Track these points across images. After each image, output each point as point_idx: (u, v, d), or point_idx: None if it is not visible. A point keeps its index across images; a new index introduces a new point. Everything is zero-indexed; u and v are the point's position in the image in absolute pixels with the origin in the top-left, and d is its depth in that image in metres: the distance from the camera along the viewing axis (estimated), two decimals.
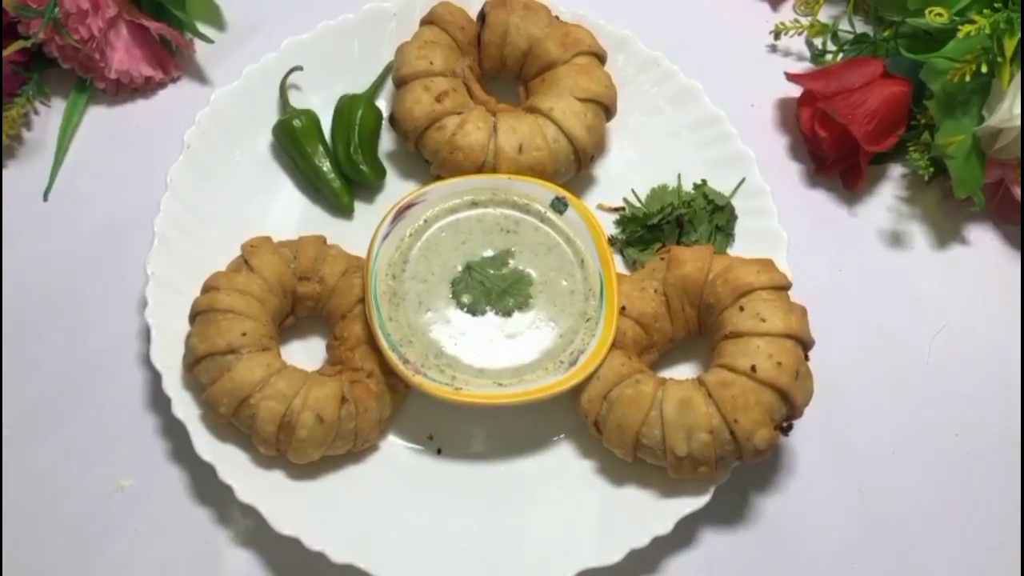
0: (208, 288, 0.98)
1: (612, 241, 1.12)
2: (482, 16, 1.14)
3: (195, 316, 0.97)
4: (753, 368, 0.94)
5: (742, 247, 1.10)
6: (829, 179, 1.21)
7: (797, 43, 1.30)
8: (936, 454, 1.07)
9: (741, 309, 0.98)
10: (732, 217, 1.12)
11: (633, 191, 1.15)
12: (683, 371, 1.06)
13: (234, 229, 1.07)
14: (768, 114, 1.26)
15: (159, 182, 1.07)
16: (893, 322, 1.13)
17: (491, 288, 1.02)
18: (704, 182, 1.13)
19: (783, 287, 1.00)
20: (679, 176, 1.15)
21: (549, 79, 1.12)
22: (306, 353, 1.05)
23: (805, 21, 1.28)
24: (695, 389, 0.95)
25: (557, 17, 1.16)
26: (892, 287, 1.15)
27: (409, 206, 1.05)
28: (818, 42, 1.28)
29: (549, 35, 1.13)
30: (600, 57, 1.14)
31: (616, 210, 1.15)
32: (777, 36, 1.27)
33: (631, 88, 1.17)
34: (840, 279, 1.15)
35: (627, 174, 1.17)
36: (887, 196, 1.21)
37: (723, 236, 1.12)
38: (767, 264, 1.01)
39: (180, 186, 1.06)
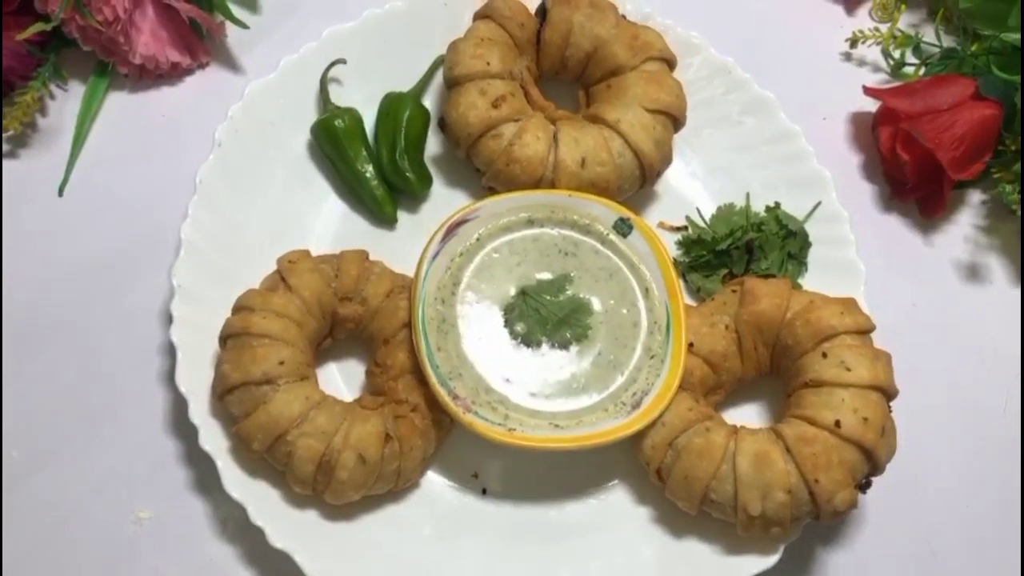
0: (241, 308, 0.90)
1: (674, 264, 1.04)
2: (542, 12, 1.05)
3: (227, 339, 0.89)
4: (837, 424, 0.86)
5: (815, 278, 1.03)
6: (903, 204, 1.13)
7: (873, 52, 1.20)
8: (1012, 509, 1.00)
9: (824, 355, 0.90)
10: (806, 244, 1.04)
11: (698, 210, 1.07)
12: (747, 412, 0.98)
13: (268, 238, 0.98)
14: (840, 129, 1.17)
15: (185, 180, 0.98)
16: (969, 365, 1.06)
17: (547, 317, 0.94)
18: (778, 204, 1.05)
19: (867, 331, 0.92)
20: (748, 195, 1.06)
21: (616, 86, 1.03)
22: (343, 378, 0.97)
23: (884, 29, 1.18)
24: (772, 442, 0.88)
25: (624, 17, 1.06)
26: (969, 326, 1.08)
27: (461, 223, 0.96)
28: (896, 53, 1.19)
29: (617, 37, 1.03)
30: (671, 63, 1.05)
31: (678, 229, 1.07)
32: (853, 44, 1.18)
33: (699, 96, 1.08)
34: (914, 316, 1.08)
35: (691, 190, 1.08)
36: (965, 225, 1.13)
37: (795, 265, 1.04)
38: (850, 304, 0.93)
39: (210, 189, 0.97)
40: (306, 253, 0.94)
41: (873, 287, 1.01)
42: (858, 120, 1.17)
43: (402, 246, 1.00)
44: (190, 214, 0.95)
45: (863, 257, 1.02)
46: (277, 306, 0.89)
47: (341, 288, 0.92)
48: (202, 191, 0.97)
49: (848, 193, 1.10)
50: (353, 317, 0.93)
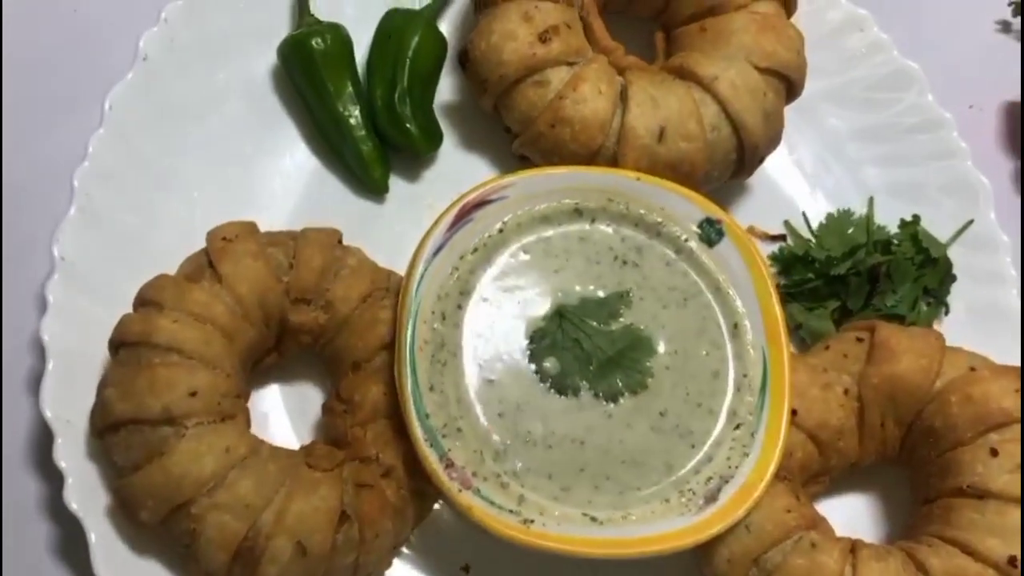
0: (146, 302, 0.61)
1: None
2: None
3: (120, 347, 0.60)
4: (1012, 561, 0.59)
5: (958, 324, 0.78)
6: None
7: None
8: None
9: (993, 453, 0.62)
10: (948, 277, 0.76)
11: (804, 215, 0.79)
12: (848, 505, 0.70)
13: (202, 199, 0.72)
14: (990, 122, 0.90)
15: (94, 106, 0.69)
16: None
17: (591, 352, 0.66)
18: (916, 219, 0.76)
19: None
20: (871, 202, 0.78)
21: (713, 29, 0.74)
22: (290, 410, 0.70)
23: None
24: (908, 574, 0.59)
25: None
26: None
27: (479, 204, 0.68)
28: None
29: None
30: (788, 7, 0.76)
31: (774, 239, 0.79)
32: (1018, 11, 0.88)
33: (820, 57, 0.80)
34: None
35: (795, 185, 0.83)
36: None
37: (933, 306, 0.76)
38: None
39: (124, 123, 0.72)
40: (249, 228, 0.65)
41: None
42: (1015, 113, 0.88)
43: (393, 227, 0.76)
44: (90, 154, 0.67)
45: None
46: (196, 305, 0.60)
47: (296, 285, 0.64)
48: (111, 125, 0.70)
49: (994, 208, 0.82)
50: (311, 328, 0.65)
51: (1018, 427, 0.64)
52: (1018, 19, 0.91)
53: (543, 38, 0.70)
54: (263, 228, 0.68)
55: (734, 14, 0.74)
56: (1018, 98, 0.89)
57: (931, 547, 0.62)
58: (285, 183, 0.74)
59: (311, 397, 0.69)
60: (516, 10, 0.71)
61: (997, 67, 0.90)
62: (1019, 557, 0.59)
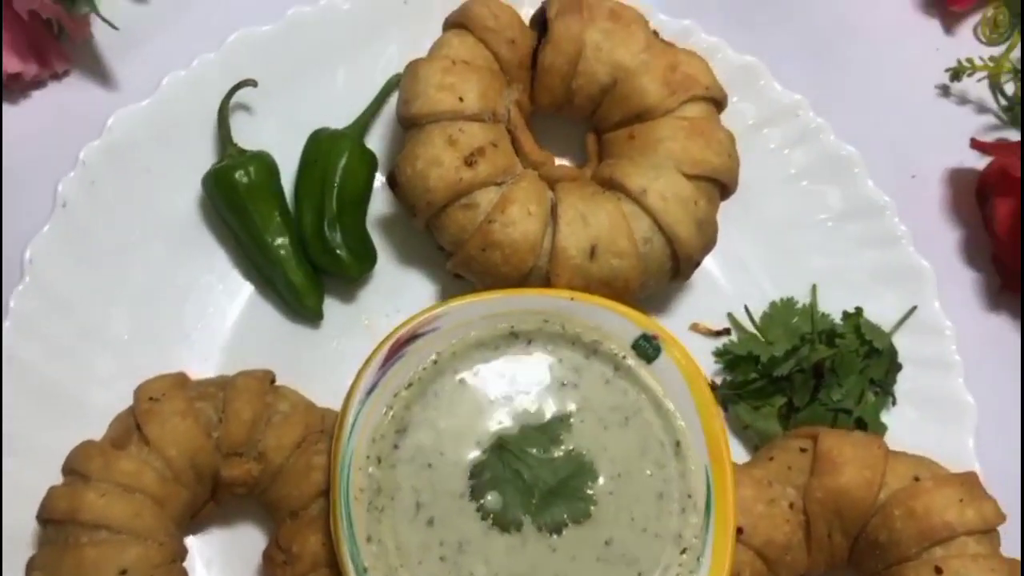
0: (72, 472, 0.60)
1: (711, 387, 0.74)
2: (541, 24, 0.74)
3: (46, 523, 0.59)
4: None
5: (905, 414, 0.78)
6: (1017, 298, 0.84)
7: (979, 85, 0.90)
8: None
9: (937, 571, 0.62)
10: (894, 367, 0.75)
11: (746, 308, 0.77)
12: None
13: (133, 345, 0.71)
14: (934, 191, 0.89)
15: (13, 254, 0.68)
16: None
17: (533, 484, 0.65)
18: (859, 311, 0.75)
19: (995, 527, 0.63)
20: (814, 289, 0.77)
21: (641, 137, 0.72)
22: (233, 553, 0.69)
23: (996, 54, 0.88)
24: None
25: (656, 34, 0.75)
26: None
27: (411, 338, 0.66)
28: (1010, 87, 0.89)
29: (646, 66, 0.72)
30: (719, 105, 0.75)
31: (718, 334, 0.78)
32: (956, 76, 0.87)
33: (754, 148, 0.79)
34: None
35: (737, 277, 0.82)
36: None
37: (880, 397, 0.75)
38: (972, 487, 0.66)
39: (46, 272, 0.68)
40: (177, 383, 0.64)
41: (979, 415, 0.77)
42: (958, 180, 0.88)
43: (331, 352, 0.74)
44: (12, 308, 0.65)
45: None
46: (124, 475, 0.59)
47: (227, 440, 0.63)
48: (32, 276, 0.67)
49: (944, 280, 0.82)
50: (245, 480, 0.63)
51: (962, 540, 0.63)
52: (957, 83, 0.90)
53: (469, 161, 0.69)
54: (198, 368, 0.68)
55: (661, 120, 0.72)
56: (962, 164, 0.88)
57: None
58: (219, 317, 0.72)
59: (254, 539, 0.68)
60: (440, 134, 0.69)
61: (939, 134, 0.88)
62: None
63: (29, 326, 0.66)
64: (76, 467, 0.60)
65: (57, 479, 0.61)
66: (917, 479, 0.65)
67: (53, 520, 0.58)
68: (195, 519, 0.65)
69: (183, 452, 0.61)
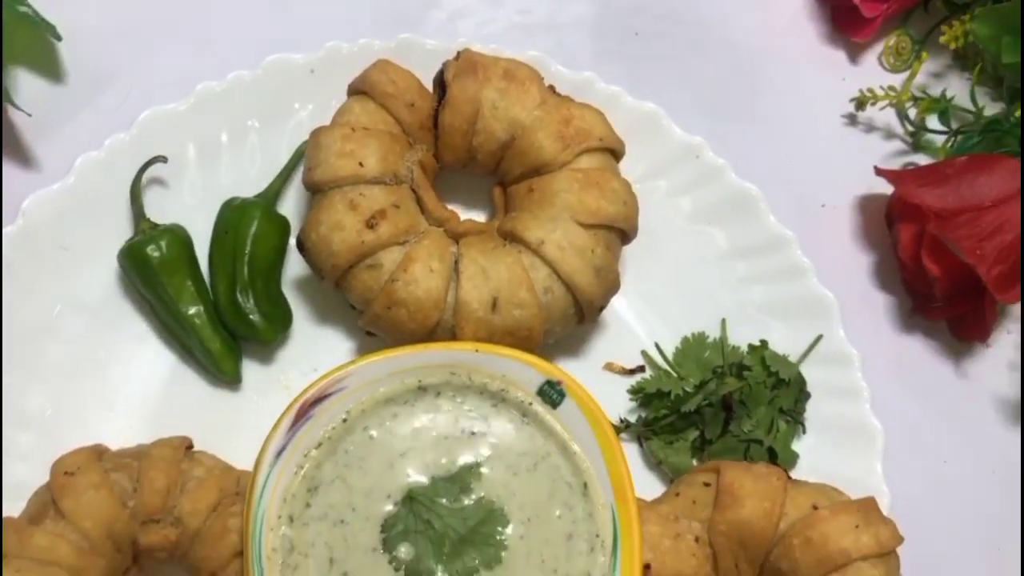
0: None
1: (625, 425, 0.77)
2: (441, 86, 0.76)
3: None
4: None
5: (816, 442, 0.80)
6: (930, 321, 0.86)
7: (886, 112, 0.92)
8: None
9: None
10: (802, 396, 0.78)
11: (657, 345, 0.80)
12: None
13: (55, 419, 0.73)
14: (844, 218, 0.90)
15: None
16: (1018, 538, 0.80)
17: (444, 533, 0.67)
18: (764, 344, 0.78)
19: (892, 549, 0.65)
20: (724, 323, 0.80)
21: (540, 190, 0.75)
22: None
23: (897, 82, 0.91)
24: None
25: (552, 88, 0.78)
26: (1016, 484, 0.81)
27: (319, 399, 0.68)
28: (912, 112, 0.91)
29: (541, 121, 0.75)
30: (615, 153, 0.77)
31: (631, 372, 0.80)
32: (860, 106, 0.90)
33: (657, 190, 0.82)
34: (944, 477, 0.83)
35: (648, 316, 0.83)
36: (1008, 347, 0.88)
37: (790, 425, 0.77)
38: (868, 511, 0.68)
39: None
40: (92, 456, 0.66)
41: (890, 437, 0.79)
42: (868, 206, 0.90)
43: (251, 415, 0.75)
44: None
45: (877, 390, 0.80)
46: (39, 551, 0.61)
47: (142, 509, 0.65)
48: None
49: (855, 305, 0.86)
50: (163, 545, 0.65)
51: (857, 566, 0.65)
52: (862, 112, 0.92)
53: (370, 224, 0.71)
54: (122, 437, 0.70)
55: (558, 173, 0.74)
56: (872, 191, 0.91)
57: None
58: (140, 387, 0.74)
59: None
60: (342, 199, 0.72)
61: (847, 163, 0.90)
62: None
63: None
64: None
65: None
66: (815, 507, 0.67)
67: None
68: None
69: (98, 523, 0.63)
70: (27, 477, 0.66)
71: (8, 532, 0.62)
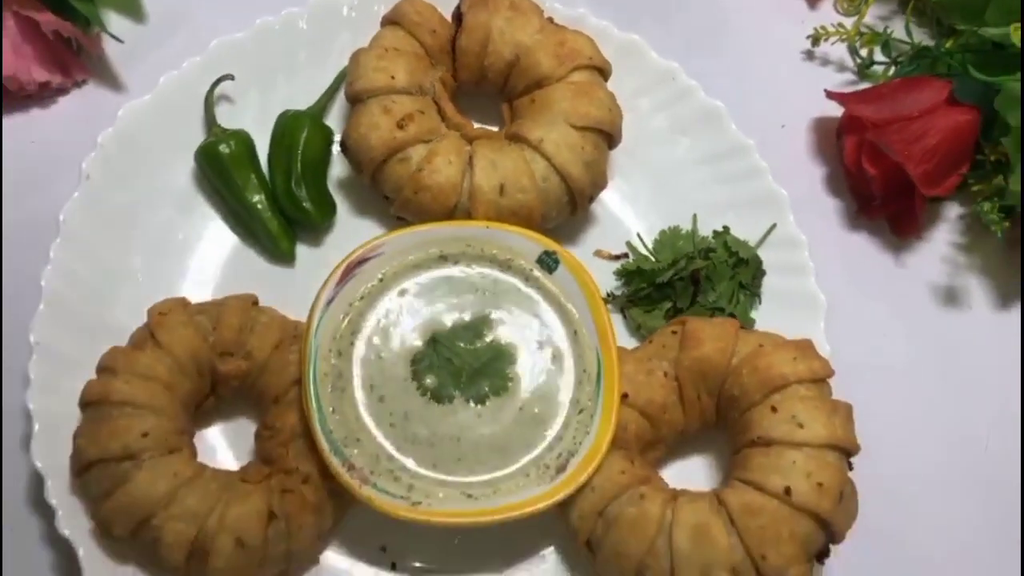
0: (103, 369, 0.78)
1: (611, 298, 0.92)
2: (458, 17, 0.93)
3: (86, 406, 0.77)
4: (787, 491, 0.75)
5: (770, 310, 0.93)
6: (873, 220, 1.01)
7: (839, 49, 1.08)
8: (1002, 560, 0.89)
9: (773, 410, 0.79)
10: (759, 273, 0.93)
11: (639, 236, 0.95)
12: (693, 468, 0.88)
13: (146, 283, 0.88)
14: (802, 138, 1.05)
15: (51, 220, 0.86)
16: (947, 402, 0.95)
17: (461, 367, 0.83)
18: (726, 229, 0.93)
19: (824, 378, 0.81)
20: (695, 218, 0.95)
21: (540, 100, 0.91)
22: (231, 440, 0.86)
23: (849, 24, 1.06)
24: (713, 512, 0.76)
25: (550, 19, 0.94)
26: (946, 358, 0.97)
27: (361, 262, 0.84)
28: (863, 51, 1.07)
29: (540, 43, 0.91)
30: (603, 71, 0.93)
31: (617, 258, 0.95)
32: (816, 42, 1.06)
33: (639, 107, 0.97)
34: (884, 347, 0.97)
35: (630, 213, 0.97)
36: (941, 243, 1.02)
37: (747, 296, 0.93)
38: (805, 348, 0.82)
39: (77, 230, 0.86)
40: (180, 303, 0.82)
41: (839, 316, 0.92)
42: (821, 127, 1.05)
43: (302, 285, 0.88)
44: (52, 259, 0.84)
45: (828, 281, 0.93)
46: (143, 367, 0.77)
47: (220, 342, 0.81)
48: (66, 233, 0.86)
49: (810, 209, 1.00)
50: (236, 374, 0.82)
51: (794, 387, 0.80)
52: (819, 47, 1.08)
53: (400, 125, 0.88)
54: (196, 300, 0.86)
55: (555, 86, 0.90)
56: (825, 113, 1.06)
57: (732, 488, 0.78)
58: (212, 261, 0.90)
59: (246, 428, 0.84)
60: (377, 105, 0.88)
61: (804, 91, 1.04)
62: (792, 488, 0.76)
63: (64, 270, 0.84)
64: (106, 364, 0.78)
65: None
66: (761, 345, 0.83)
67: (91, 403, 0.77)
68: (200, 410, 0.82)
69: (186, 351, 0.79)
70: (127, 323, 0.83)
71: (117, 355, 0.78)
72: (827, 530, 0.76)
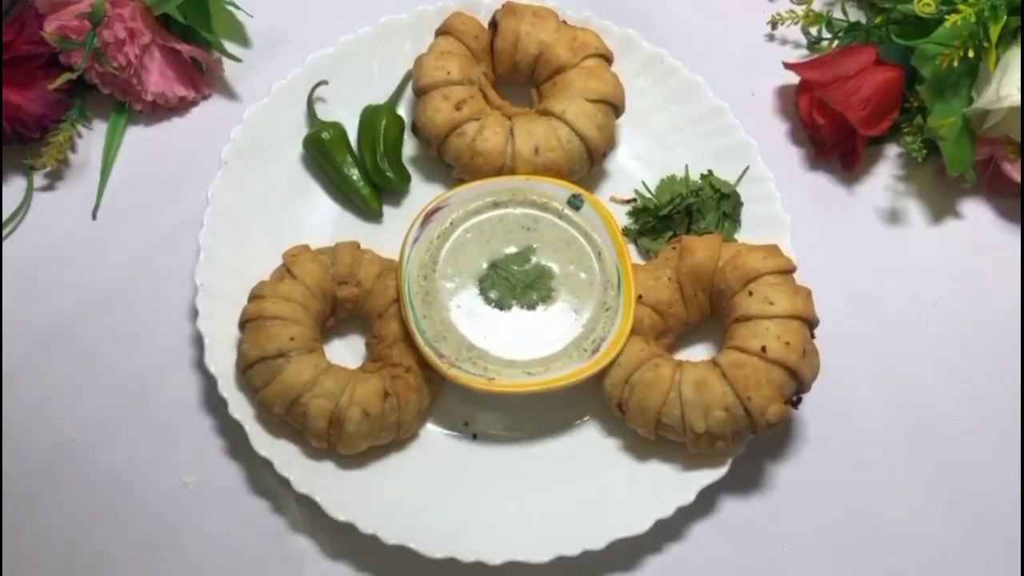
0: (255, 297, 1.06)
1: (626, 232, 1.19)
2: (493, 24, 1.21)
3: (245, 323, 1.05)
4: (763, 349, 1.01)
5: (749, 232, 1.17)
6: (828, 162, 1.27)
7: (794, 32, 1.35)
8: (936, 415, 1.15)
9: (750, 294, 1.05)
10: (738, 204, 1.19)
11: (644, 183, 1.22)
12: (699, 352, 1.13)
13: (274, 238, 1.13)
14: (768, 102, 1.32)
15: (200, 196, 1.13)
16: (893, 296, 1.20)
17: (515, 284, 1.10)
18: (710, 172, 1.20)
19: (789, 271, 1.07)
20: (686, 167, 1.22)
21: (560, 82, 1.18)
22: (348, 351, 1.12)
23: (800, 10, 1.33)
24: (710, 370, 1.03)
25: (564, 22, 1.22)
26: (891, 263, 1.22)
27: (436, 210, 1.12)
28: (813, 30, 1.34)
29: (558, 40, 1.19)
30: (607, 58, 1.21)
31: (628, 202, 1.22)
32: (775, 26, 1.33)
33: (637, 85, 1.24)
34: (841, 257, 1.22)
35: (637, 167, 1.23)
36: (884, 176, 1.27)
37: (730, 222, 1.19)
38: (773, 250, 1.08)
39: (220, 201, 1.13)
40: (306, 247, 1.10)
41: (803, 235, 1.13)
42: (783, 93, 1.32)
43: (388, 236, 1.12)
44: (205, 223, 1.12)
45: (794, 211, 1.15)
46: (285, 292, 1.05)
47: (338, 274, 1.09)
48: (214, 203, 1.13)
49: (778, 157, 1.25)
50: (351, 298, 1.09)
51: (765, 277, 1.05)
52: (778, 29, 1.35)
53: (458, 107, 1.15)
54: (313, 248, 1.14)
55: (572, 70, 1.16)
56: (786, 83, 1.33)
57: (722, 354, 1.04)
58: (321, 221, 1.14)
59: (358, 342, 1.10)
60: (438, 95, 1.15)
61: (767, 65, 1.28)
62: (767, 347, 1.02)
63: (214, 231, 1.11)
64: (256, 293, 1.05)
65: (238, 311, 1.08)
66: (739, 251, 1.09)
67: (249, 319, 1.03)
68: (325, 327, 1.10)
69: (314, 281, 1.06)
70: (261, 268, 1.11)
71: (264, 285, 1.05)
72: (796, 379, 1.02)
